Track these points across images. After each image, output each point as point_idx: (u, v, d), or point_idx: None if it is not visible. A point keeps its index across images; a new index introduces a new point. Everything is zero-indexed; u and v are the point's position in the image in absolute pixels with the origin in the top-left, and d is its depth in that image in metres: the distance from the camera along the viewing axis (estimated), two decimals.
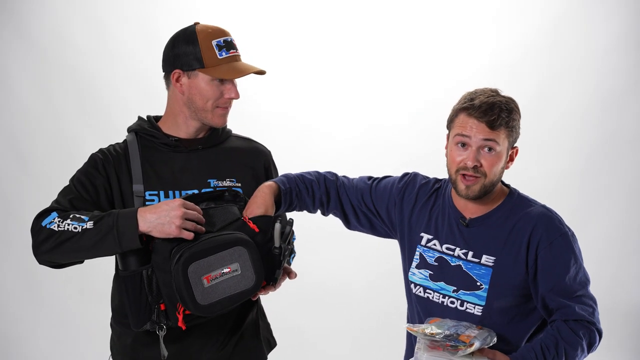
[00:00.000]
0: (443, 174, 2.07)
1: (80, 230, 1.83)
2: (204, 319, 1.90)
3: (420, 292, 2.04)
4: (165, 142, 2.06)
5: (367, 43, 4.17)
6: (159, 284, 1.85)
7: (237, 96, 2.04)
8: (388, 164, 4.12)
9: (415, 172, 2.18)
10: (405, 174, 2.17)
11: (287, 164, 3.66)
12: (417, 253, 2.06)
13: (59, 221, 1.85)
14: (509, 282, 1.92)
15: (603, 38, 4.02)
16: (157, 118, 2.14)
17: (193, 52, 1.99)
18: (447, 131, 2.00)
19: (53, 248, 1.85)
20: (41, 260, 1.91)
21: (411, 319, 2.09)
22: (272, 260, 1.94)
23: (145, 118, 2.12)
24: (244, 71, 2.02)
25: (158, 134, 2.06)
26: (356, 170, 4.11)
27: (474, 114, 1.89)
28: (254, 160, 2.18)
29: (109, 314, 2.14)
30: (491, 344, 1.87)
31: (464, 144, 1.91)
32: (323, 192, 2.15)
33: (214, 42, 2.00)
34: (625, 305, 4.00)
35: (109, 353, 2.15)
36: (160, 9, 4.12)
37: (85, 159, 2.05)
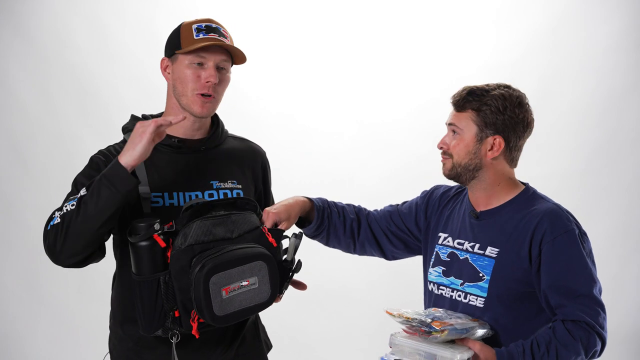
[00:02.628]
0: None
1: (76, 203, 1.82)
2: (212, 326, 1.89)
3: (435, 289, 2.06)
4: (168, 143, 2.03)
5: (367, 42, 4.17)
6: (174, 291, 1.84)
7: (214, 79, 1.99)
8: (388, 163, 4.13)
9: (437, 184, 2.23)
10: (426, 190, 2.24)
11: (287, 163, 3.67)
12: (434, 252, 2.09)
13: (59, 214, 1.84)
14: (511, 275, 1.91)
15: (603, 38, 4.02)
16: (154, 117, 2.10)
17: (173, 39, 2.02)
18: None
19: (64, 237, 1.82)
20: (63, 261, 1.87)
21: None
22: (282, 273, 1.97)
23: (141, 117, 2.09)
24: (210, 42, 1.98)
25: None
26: (356, 170, 4.14)
27: (450, 99, 2.02)
28: (253, 161, 2.18)
29: (109, 314, 2.13)
30: (483, 337, 1.86)
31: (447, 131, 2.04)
32: (354, 219, 2.20)
33: (194, 26, 2.02)
34: (626, 305, 3.99)
35: (105, 354, 2.12)
36: (160, 9, 4.12)
37: (85, 159, 2.03)
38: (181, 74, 2.00)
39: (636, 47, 4.00)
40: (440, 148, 2.01)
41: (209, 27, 2.02)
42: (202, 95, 2.00)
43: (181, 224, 1.86)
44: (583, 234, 1.93)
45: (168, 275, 1.83)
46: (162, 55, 2.08)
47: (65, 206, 1.84)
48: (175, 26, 2.09)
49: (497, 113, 1.95)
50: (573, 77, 4.05)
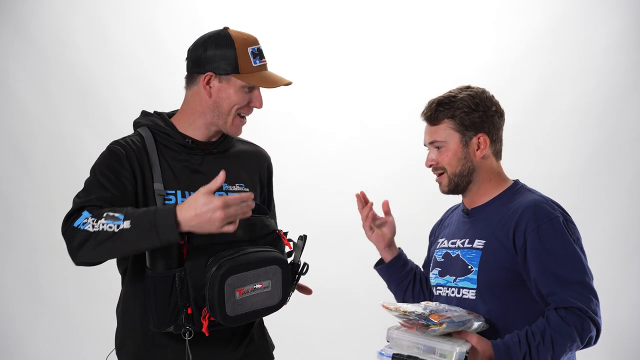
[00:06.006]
0: None
1: (116, 229, 1.79)
2: (222, 325, 1.91)
3: (434, 291, 2.08)
4: (182, 143, 2.04)
5: (367, 43, 4.17)
6: (189, 288, 1.85)
7: (261, 106, 2.05)
8: (388, 164, 4.13)
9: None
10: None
11: (286, 163, 3.67)
12: (433, 257, 2.12)
13: (92, 221, 1.81)
14: (497, 264, 1.92)
15: (603, 38, 4.02)
16: (169, 114, 2.12)
17: (228, 57, 1.98)
18: None
19: (92, 250, 1.81)
20: (79, 263, 1.87)
21: None
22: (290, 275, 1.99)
23: (154, 113, 2.10)
24: (277, 82, 2.02)
25: (174, 134, 2.04)
26: (356, 171, 4.14)
27: (421, 116, 2.05)
28: (259, 165, 2.20)
29: (109, 314, 2.13)
30: (478, 330, 1.86)
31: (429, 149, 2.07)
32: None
33: (249, 49, 2.00)
34: (626, 305, 3.99)
35: (109, 352, 2.12)
36: (160, 9, 4.12)
37: (86, 159, 2.04)
38: (231, 95, 2.00)
39: (636, 47, 4.00)
40: (430, 166, 2.03)
41: (260, 51, 2.03)
42: (242, 116, 2.05)
43: None
44: (569, 222, 1.94)
45: (184, 272, 1.85)
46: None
47: (103, 223, 1.80)
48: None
49: (470, 112, 1.99)
50: (573, 77, 4.05)
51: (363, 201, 2.19)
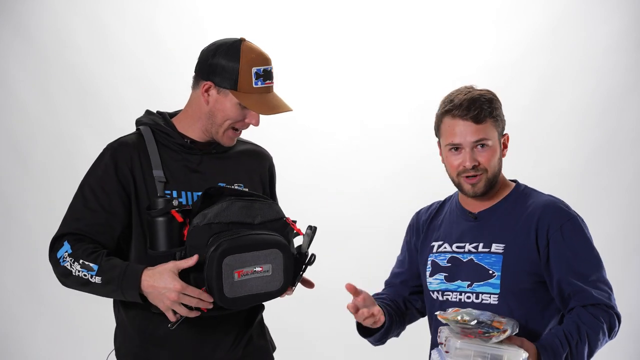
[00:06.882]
0: (444, 173, 2.07)
1: (90, 279, 1.89)
2: (220, 311, 1.92)
3: (439, 296, 2.04)
4: (181, 143, 2.05)
5: (367, 43, 4.17)
6: (189, 268, 1.87)
7: (257, 124, 2.05)
8: (388, 164, 4.13)
9: (416, 212, 2.22)
10: (409, 224, 2.22)
11: (287, 163, 3.67)
12: (429, 262, 2.07)
13: (70, 261, 1.90)
14: (520, 267, 1.92)
15: (603, 38, 4.02)
16: (171, 114, 2.13)
17: (230, 71, 1.98)
18: (437, 138, 2.04)
19: (76, 286, 1.94)
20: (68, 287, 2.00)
21: (434, 331, 2.05)
22: (296, 265, 1.99)
23: (156, 113, 2.11)
24: (274, 109, 2.02)
25: (173, 133, 2.05)
26: (356, 171, 4.14)
27: (457, 113, 1.93)
28: (260, 165, 2.20)
29: (109, 314, 2.13)
30: (515, 332, 1.85)
31: (457, 148, 1.96)
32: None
33: (253, 70, 1.99)
34: (626, 305, 3.97)
35: (109, 352, 2.12)
36: (160, 9, 4.12)
37: (85, 159, 2.05)
38: (226, 109, 2.00)
39: (636, 47, 4.00)
40: (473, 167, 1.93)
41: (266, 72, 2.02)
42: (235, 129, 2.05)
43: (196, 205, 1.89)
44: (582, 220, 1.98)
45: (184, 251, 1.87)
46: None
47: (79, 270, 1.89)
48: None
49: (500, 111, 1.98)
50: (573, 77, 4.05)
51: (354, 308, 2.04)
